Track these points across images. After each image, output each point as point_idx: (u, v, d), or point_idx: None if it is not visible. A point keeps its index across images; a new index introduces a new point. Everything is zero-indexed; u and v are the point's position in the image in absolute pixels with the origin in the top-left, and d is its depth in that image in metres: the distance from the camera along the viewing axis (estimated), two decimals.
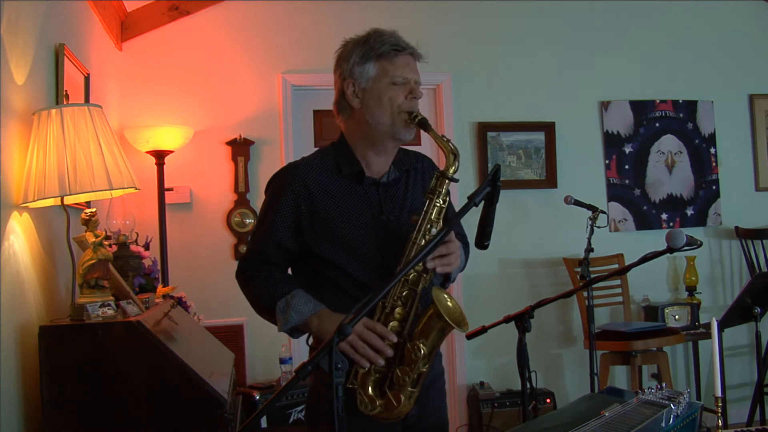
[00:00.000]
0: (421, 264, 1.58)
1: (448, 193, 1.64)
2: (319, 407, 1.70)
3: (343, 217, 1.68)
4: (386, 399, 1.58)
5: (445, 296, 1.60)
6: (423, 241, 1.60)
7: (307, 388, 1.82)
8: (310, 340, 1.73)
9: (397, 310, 1.60)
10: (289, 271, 1.79)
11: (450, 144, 1.62)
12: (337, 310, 1.64)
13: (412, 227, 1.62)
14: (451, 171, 1.61)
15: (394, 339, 1.57)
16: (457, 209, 1.41)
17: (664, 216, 4.39)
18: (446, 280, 1.70)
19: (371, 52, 1.67)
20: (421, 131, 1.69)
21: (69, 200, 2.01)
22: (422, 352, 1.55)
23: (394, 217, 1.71)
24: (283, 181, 1.72)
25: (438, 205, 1.61)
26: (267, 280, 1.69)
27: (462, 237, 1.87)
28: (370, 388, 1.59)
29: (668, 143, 4.42)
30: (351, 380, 1.58)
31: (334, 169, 1.72)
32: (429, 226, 1.60)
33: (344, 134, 1.77)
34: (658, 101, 4.40)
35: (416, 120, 1.64)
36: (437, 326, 1.56)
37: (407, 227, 1.65)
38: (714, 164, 4.47)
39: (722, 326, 3.20)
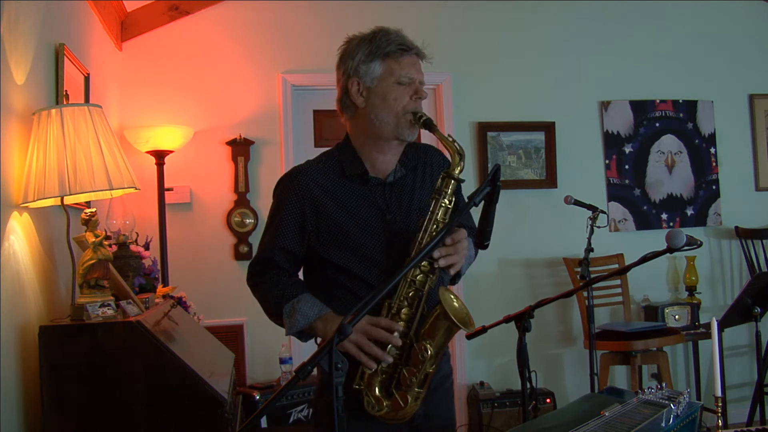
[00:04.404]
0: (428, 264, 1.57)
1: (454, 193, 1.62)
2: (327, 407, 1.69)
3: (348, 219, 1.67)
4: (393, 400, 1.57)
5: (452, 296, 1.58)
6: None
7: (307, 388, 1.81)
8: (319, 340, 1.73)
9: (404, 310, 1.59)
10: (300, 274, 1.79)
11: (456, 144, 1.60)
12: (347, 312, 1.62)
13: (418, 228, 1.61)
14: (457, 171, 1.60)
15: (401, 328, 1.56)
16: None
17: (664, 216, 4.39)
18: (456, 276, 1.69)
19: (378, 50, 1.66)
20: (423, 131, 1.68)
21: (69, 200, 2.01)
22: (429, 352, 1.55)
23: (400, 217, 1.69)
24: (287, 186, 1.72)
25: (444, 205, 1.60)
26: (275, 285, 1.70)
27: (473, 231, 1.86)
28: (376, 389, 1.58)
29: (668, 143, 4.42)
30: (357, 381, 1.57)
31: (338, 172, 1.71)
32: (435, 227, 1.59)
33: (349, 134, 1.76)
34: (658, 101, 4.40)
35: (421, 120, 1.64)
36: (444, 326, 1.55)
37: (414, 226, 1.64)
38: (714, 164, 4.47)
39: (722, 326, 3.20)
